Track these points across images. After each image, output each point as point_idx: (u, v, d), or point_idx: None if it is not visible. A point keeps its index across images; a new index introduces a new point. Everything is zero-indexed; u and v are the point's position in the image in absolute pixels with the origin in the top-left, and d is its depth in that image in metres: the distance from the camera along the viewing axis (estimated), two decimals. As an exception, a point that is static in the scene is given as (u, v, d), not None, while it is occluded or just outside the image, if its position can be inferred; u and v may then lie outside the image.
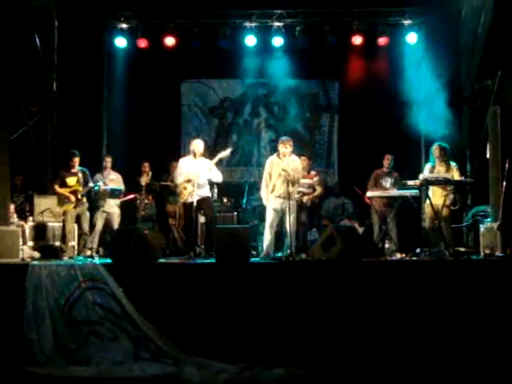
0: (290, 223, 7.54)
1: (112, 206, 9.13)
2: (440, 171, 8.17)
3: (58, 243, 8.60)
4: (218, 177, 8.32)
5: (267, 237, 7.79)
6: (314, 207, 9.09)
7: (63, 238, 8.53)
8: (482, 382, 5.52)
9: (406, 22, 10.83)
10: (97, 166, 9.52)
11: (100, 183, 8.84)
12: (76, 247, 8.69)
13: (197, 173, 7.96)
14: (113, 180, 9.25)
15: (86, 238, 8.75)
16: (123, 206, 9.44)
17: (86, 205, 8.83)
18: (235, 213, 9.96)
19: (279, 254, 7.83)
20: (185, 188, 8.02)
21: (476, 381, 5.54)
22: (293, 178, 7.70)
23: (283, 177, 7.65)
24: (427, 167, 8.39)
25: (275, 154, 8.06)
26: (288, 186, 7.61)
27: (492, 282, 6.07)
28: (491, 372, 5.63)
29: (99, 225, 9.03)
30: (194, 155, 8.16)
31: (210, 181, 8.33)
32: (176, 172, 8.36)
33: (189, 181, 7.97)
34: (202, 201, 8.03)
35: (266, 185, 7.97)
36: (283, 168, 7.68)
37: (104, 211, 9.05)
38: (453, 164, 8.27)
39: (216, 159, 8.25)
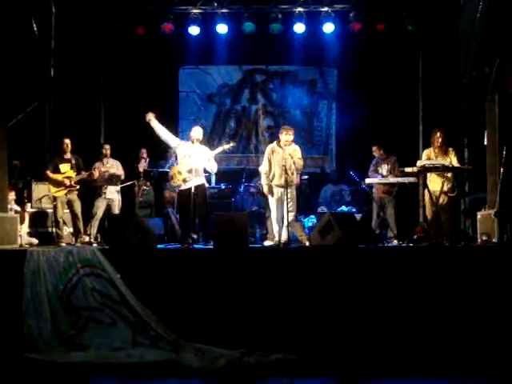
0: (287, 211, 7.58)
1: (113, 193, 9.11)
2: (439, 156, 8.14)
3: (55, 229, 8.61)
4: (213, 168, 8.35)
5: (276, 227, 7.88)
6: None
7: (56, 224, 8.53)
8: (479, 368, 5.55)
9: (405, 9, 10.75)
10: (95, 152, 9.46)
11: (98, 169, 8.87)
12: (74, 233, 8.71)
13: (193, 159, 7.99)
14: (112, 167, 9.20)
15: (79, 225, 8.71)
16: (122, 193, 9.43)
17: (77, 191, 8.80)
18: (233, 199, 9.98)
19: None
20: (179, 173, 8.04)
21: (473, 366, 5.57)
22: (295, 168, 7.79)
23: (283, 167, 7.65)
24: (425, 152, 8.37)
25: (275, 142, 8.06)
26: (288, 174, 7.62)
27: (489, 268, 6.09)
28: (489, 357, 5.67)
29: (100, 211, 9.00)
30: (193, 142, 8.18)
31: (206, 170, 8.35)
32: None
33: (184, 166, 7.99)
34: (196, 188, 8.02)
35: (265, 173, 7.99)
36: (285, 158, 7.70)
37: (106, 198, 9.03)
38: (450, 149, 8.21)
39: (218, 151, 8.31)
